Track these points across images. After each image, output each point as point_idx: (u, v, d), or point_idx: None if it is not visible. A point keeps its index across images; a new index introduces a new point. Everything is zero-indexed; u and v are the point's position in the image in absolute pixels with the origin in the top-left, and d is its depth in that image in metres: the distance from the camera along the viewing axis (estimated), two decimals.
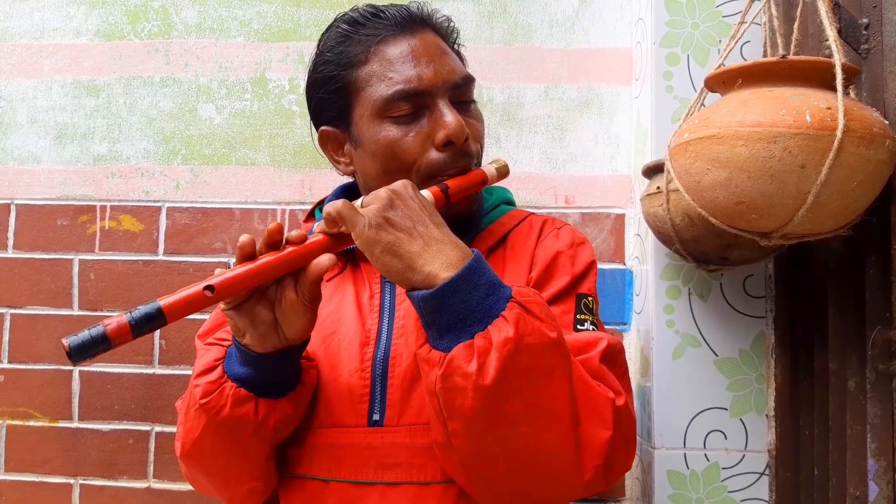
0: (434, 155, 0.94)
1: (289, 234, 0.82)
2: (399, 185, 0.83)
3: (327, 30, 1.03)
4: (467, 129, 0.95)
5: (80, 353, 0.72)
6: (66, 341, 0.72)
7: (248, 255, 0.79)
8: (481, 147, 1.01)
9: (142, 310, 0.75)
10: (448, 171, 0.95)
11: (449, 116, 0.94)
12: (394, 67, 0.95)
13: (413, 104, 0.94)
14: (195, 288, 0.77)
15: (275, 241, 0.80)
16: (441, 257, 0.78)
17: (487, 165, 0.99)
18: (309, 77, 1.04)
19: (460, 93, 0.98)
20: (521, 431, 0.77)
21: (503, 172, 1.00)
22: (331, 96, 0.99)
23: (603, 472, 0.81)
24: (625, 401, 0.84)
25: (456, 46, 1.05)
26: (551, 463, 0.79)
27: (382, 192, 0.81)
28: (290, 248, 0.81)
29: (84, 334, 0.72)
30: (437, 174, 0.95)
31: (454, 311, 0.76)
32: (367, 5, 1.02)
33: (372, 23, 0.98)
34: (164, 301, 0.75)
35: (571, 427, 0.78)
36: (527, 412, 0.77)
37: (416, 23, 0.99)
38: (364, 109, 0.96)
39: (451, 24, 1.05)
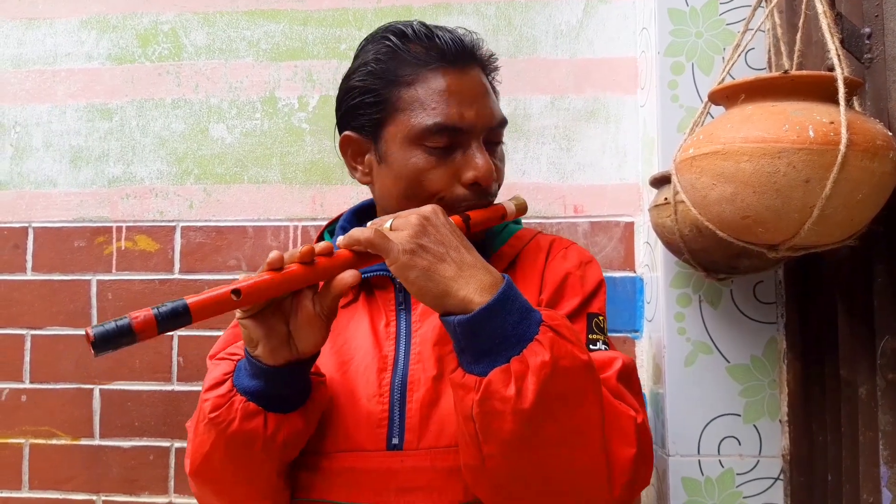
0: (459, 191, 0.97)
1: (316, 245, 0.82)
2: (429, 210, 0.85)
3: (373, 38, 1.03)
4: (495, 173, 0.98)
5: (103, 344, 0.71)
6: (90, 330, 0.71)
7: (275, 268, 0.80)
8: (500, 186, 1.04)
9: (169, 305, 0.74)
10: (469, 205, 0.98)
11: (480, 159, 0.96)
12: (438, 99, 0.96)
13: (449, 138, 0.96)
14: (223, 290, 0.77)
15: (306, 260, 0.81)
16: (475, 282, 0.79)
17: (507, 202, 1.02)
18: (345, 81, 1.04)
19: (493, 134, 1.01)
20: (557, 453, 0.79)
21: (521, 210, 1.04)
22: (366, 106, 1.00)
23: (629, 489, 0.83)
24: (643, 417, 0.87)
25: (493, 82, 1.07)
26: (584, 483, 0.81)
27: (414, 219, 0.83)
28: (317, 260, 0.81)
29: (109, 325, 0.71)
30: (458, 208, 0.97)
31: (490, 335, 0.77)
32: (419, 23, 1.01)
33: (424, 45, 0.99)
34: (191, 299, 0.75)
35: (602, 447, 0.80)
36: (562, 434, 0.78)
37: (468, 58, 1.00)
38: (399, 131, 0.97)
39: (495, 59, 1.06)
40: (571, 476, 0.80)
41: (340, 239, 0.84)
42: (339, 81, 1.06)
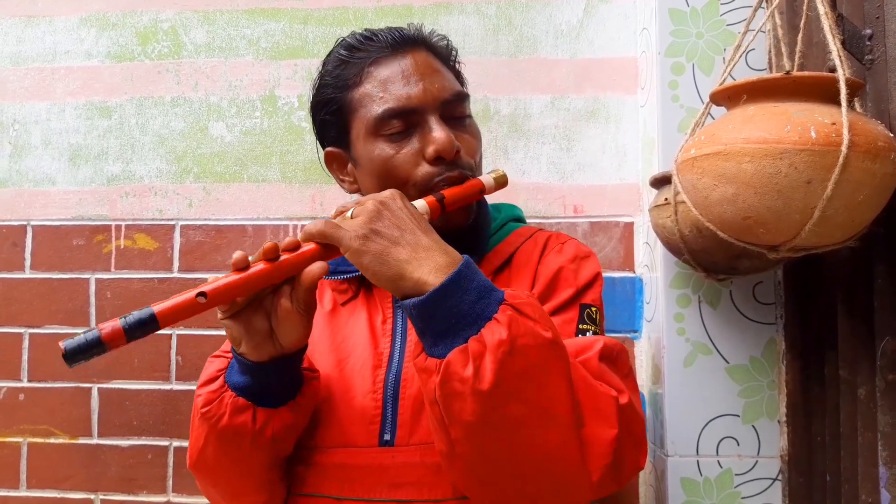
0: (426, 169, 0.97)
1: (282, 242, 0.84)
2: (387, 194, 0.85)
3: (328, 55, 1.07)
4: (457, 143, 0.97)
5: (74, 356, 0.75)
6: (62, 344, 0.75)
7: (240, 269, 0.81)
8: (477, 162, 1.03)
9: (135, 315, 0.77)
10: (441, 181, 0.97)
11: (438, 132, 0.96)
12: (384, 87, 0.98)
13: (404, 121, 0.97)
14: (188, 295, 0.79)
15: (270, 257, 0.82)
16: (429, 263, 0.79)
17: (485, 175, 1.01)
18: (311, 101, 1.08)
19: (452, 108, 1.00)
20: (524, 434, 0.77)
21: (501, 182, 1.01)
22: (331, 118, 1.03)
23: (612, 472, 0.80)
24: (629, 399, 0.84)
25: (454, 64, 1.08)
26: (557, 465, 0.79)
27: (370, 205, 0.83)
28: (283, 257, 0.82)
29: (80, 338, 0.75)
30: (432, 186, 0.97)
31: (446, 316, 0.77)
32: (363, 30, 1.06)
33: (365, 46, 1.02)
34: (157, 307, 0.78)
35: (574, 427, 0.78)
36: (527, 414, 0.77)
37: (408, 43, 1.02)
38: (360, 129, 1.00)
39: (448, 42, 1.08)
40: (542, 458, 0.78)
41: (301, 234, 0.85)
42: None
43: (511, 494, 0.81)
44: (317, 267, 0.82)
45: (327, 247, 0.84)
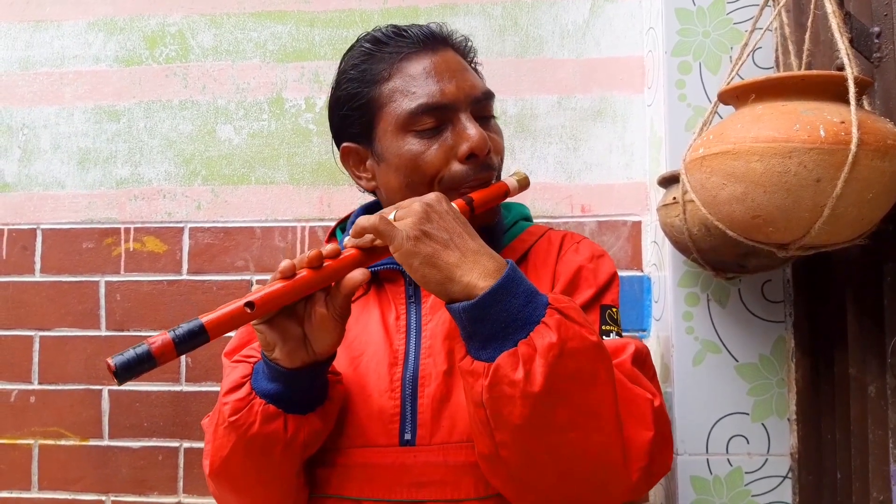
0: (456, 167, 0.97)
1: (322, 249, 0.83)
2: (433, 198, 0.84)
3: (350, 49, 1.05)
4: (489, 142, 0.97)
5: (125, 373, 0.72)
6: (111, 361, 0.72)
7: (287, 276, 0.81)
8: (501, 160, 1.03)
9: (185, 327, 0.75)
10: (470, 182, 0.97)
11: (471, 129, 0.96)
12: (416, 83, 0.97)
13: (436, 118, 0.96)
14: (236, 304, 0.78)
15: (314, 265, 0.82)
16: (478, 268, 0.79)
17: (509, 178, 1.01)
18: (332, 95, 1.06)
19: (481, 108, 1.00)
20: (570, 437, 0.78)
21: (524, 184, 1.02)
22: (354, 113, 1.01)
23: (647, 474, 0.82)
24: (660, 401, 0.87)
25: (473, 65, 1.08)
26: (600, 467, 0.80)
27: (417, 206, 0.83)
28: (325, 263, 0.82)
29: (129, 353, 0.73)
30: (459, 186, 0.97)
31: (496, 319, 0.77)
32: (389, 25, 1.04)
33: (394, 41, 1.01)
34: (206, 318, 0.76)
35: (617, 429, 0.80)
36: (575, 417, 0.78)
37: (437, 41, 1.02)
38: (388, 124, 0.98)
39: (470, 43, 1.08)
40: (587, 460, 0.80)
41: (346, 240, 0.85)
42: None
43: (553, 497, 0.82)
44: (358, 273, 0.82)
45: (367, 253, 0.83)
